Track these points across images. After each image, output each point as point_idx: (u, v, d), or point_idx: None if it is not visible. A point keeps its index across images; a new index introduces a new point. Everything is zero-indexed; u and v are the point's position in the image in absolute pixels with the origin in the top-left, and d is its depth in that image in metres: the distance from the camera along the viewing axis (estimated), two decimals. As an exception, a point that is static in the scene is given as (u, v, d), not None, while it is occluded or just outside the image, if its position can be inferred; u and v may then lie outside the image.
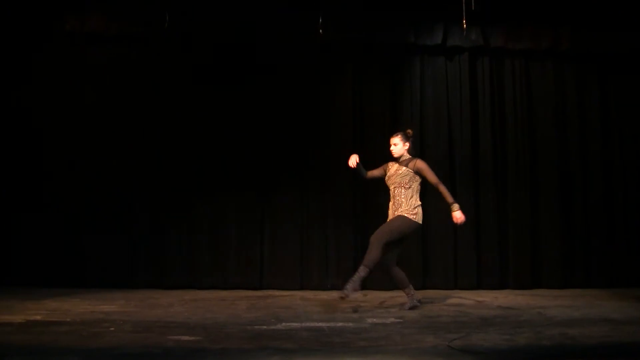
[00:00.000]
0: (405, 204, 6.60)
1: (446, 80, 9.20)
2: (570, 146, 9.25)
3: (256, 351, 4.40)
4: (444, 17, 8.91)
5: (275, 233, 8.87)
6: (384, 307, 6.93)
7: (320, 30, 8.47)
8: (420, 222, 6.67)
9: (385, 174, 6.86)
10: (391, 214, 6.69)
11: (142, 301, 7.22)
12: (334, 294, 8.05)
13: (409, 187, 6.64)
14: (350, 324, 5.63)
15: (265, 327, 5.44)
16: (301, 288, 8.65)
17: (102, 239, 8.58)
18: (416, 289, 8.49)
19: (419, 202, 6.67)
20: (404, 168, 6.69)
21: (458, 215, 6.59)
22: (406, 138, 6.81)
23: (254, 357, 4.21)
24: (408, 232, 6.65)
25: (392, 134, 6.90)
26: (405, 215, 6.57)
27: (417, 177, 6.69)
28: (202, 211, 8.83)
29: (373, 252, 6.43)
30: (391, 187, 6.75)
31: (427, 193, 8.82)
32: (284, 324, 5.61)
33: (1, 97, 8.71)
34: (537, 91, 9.30)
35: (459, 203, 8.94)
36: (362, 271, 6.39)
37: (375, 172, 6.95)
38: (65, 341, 4.66)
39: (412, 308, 6.63)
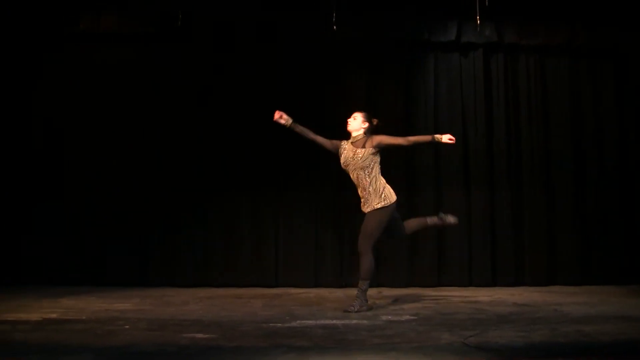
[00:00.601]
0: (373, 190, 6.37)
1: (460, 77, 9.15)
2: (585, 143, 9.16)
3: (271, 349, 4.40)
4: (458, 13, 8.85)
5: (289, 230, 8.87)
6: (399, 304, 6.91)
7: (335, 27, 8.44)
8: (394, 199, 6.43)
9: (340, 155, 6.57)
10: (363, 202, 6.48)
11: (157, 299, 7.24)
12: (349, 292, 8.06)
13: (372, 170, 6.41)
14: (365, 322, 5.62)
15: (280, 324, 5.44)
16: (316, 286, 8.65)
17: (117, 238, 8.62)
18: (431, 286, 8.68)
19: (384, 182, 6.45)
20: (362, 150, 6.42)
21: (446, 138, 6.41)
22: (368, 119, 6.54)
23: (268, 355, 4.20)
24: (389, 218, 6.43)
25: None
26: (377, 207, 6.35)
27: (376, 158, 6.44)
28: (217, 209, 8.84)
29: (365, 263, 6.31)
30: (352, 173, 6.50)
31: (443, 186, 8.93)
32: (298, 321, 5.61)
33: (16, 97, 8.76)
34: (552, 87, 9.22)
35: (473, 201, 8.97)
36: (362, 285, 6.33)
37: (324, 141, 6.64)
38: (80, 339, 4.69)
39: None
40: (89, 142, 8.77)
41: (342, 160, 6.57)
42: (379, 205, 6.37)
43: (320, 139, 6.65)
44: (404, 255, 8.81)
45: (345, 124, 6.63)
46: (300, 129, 6.59)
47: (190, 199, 8.77)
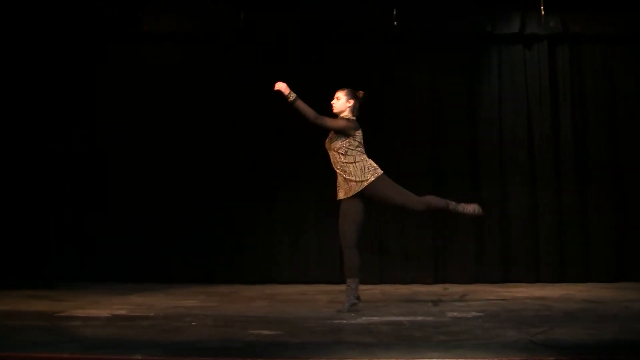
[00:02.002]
0: (354, 173, 5.97)
1: (524, 70, 8.99)
2: (656, 134, 8.94)
3: (335, 345, 4.40)
4: (521, 4, 8.72)
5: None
6: (465, 301, 6.85)
7: (395, 22, 8.41)
8: (381, 171, 6.02)
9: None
10: (342, 188, 6.09)
11: (223, 296, 7.33)
12: (414, 288, 8.06)
13: (344, 154, 5.98)
14: (431, 318, 5.59)
15: (345, 321, 5.44)
16: (381, 282, 8.63)
17: (184, 236, 8.75)
18: (498, 282, 8.50)
19: (364, 160, 5.99)
20: (334, 139, 6.03)
21: (281, 85, 5.95)
22: (352, 95, 6.11)
23: (333, 351, 4.20)
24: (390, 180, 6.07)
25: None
26: (373, 179, 5.95)
27: (350, 140, 5.98)
28: (283, 206, 8.90)
29: (348, 259, 6.05)
30: (330, 153, 6.11)
31: (508, 180, 8.82)
32: (363, 318, 5.60)
33: (78, 96, 8.97)
34: (619, 78, 8.97)
35: (539, 196, 8.77)
36: (350, 283, 6.01)
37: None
38: (148, 335, 4.76)
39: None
40: (153, 139, 8.92)
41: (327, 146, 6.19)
42: (373, 177, 5.98)
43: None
44: (470, 252, 8.74)
45: (331, 107, 6.21)
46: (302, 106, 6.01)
47: (256, 196, 8.84)
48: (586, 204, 8.83)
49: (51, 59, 8.95)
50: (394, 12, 8.42)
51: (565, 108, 8.94)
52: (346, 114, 6.14)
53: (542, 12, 8.32)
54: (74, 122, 8.96)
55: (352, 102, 6.13)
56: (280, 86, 6.01)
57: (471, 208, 6.14)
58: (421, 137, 8.89)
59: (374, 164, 6.07)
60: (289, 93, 5.98)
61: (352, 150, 6.01)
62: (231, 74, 8.96)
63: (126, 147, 8.92)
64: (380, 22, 8.59)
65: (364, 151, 6.10)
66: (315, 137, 8.72)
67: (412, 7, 8.61)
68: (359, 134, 6.08)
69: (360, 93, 6.20)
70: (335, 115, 6.18)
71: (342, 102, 6.14)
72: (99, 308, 6.21)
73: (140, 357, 3.95)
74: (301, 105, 5.98)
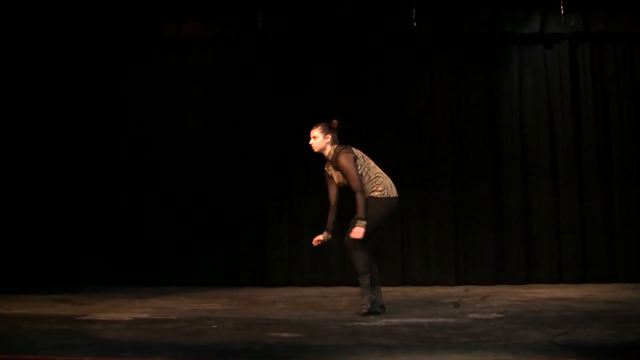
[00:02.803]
0: (370, 188, 5.88)
1: (545, 70, 8.93)
2: (680, 134, 8.85)
3: (356, 347, 4.41)
4: (541, 4, 8.66)
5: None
6: (486, 302, 6.82)
7: (415, 24, 8.40)
8: (394, 194, 5.93)
9: (333, 180, 6.11)
10: None
11: (244, 299, 7.34)
12: (436, 290, 8.03)
13: (363, 179, 5.89)
14: (452, 320, 5.58)
15: (365, 323, 5.44)
16: (403, 284, 8.61)
17: (206, 240, 8.78)
18: (519, 283, 8.46)
19: (377, 175, 5.92)
20: (338, 173, 5.98)
21: (357, 230, 5.75)
22: (327, 129, 6.00)
23: (353, 354, 4.21)
24: (386, 212, 5.94)
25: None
26: (373, 195, 5.86)
27: (357, 164, 5.90)
28: (304, 208, 8.89)
29: (357, 258, 5.87)
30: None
31: (530, 181, 8.77)
32: (384, 320, 5.61)
33: (101, 101, 9.02)
34: (643, 76, 8.93)
35: (562, 196, 8.71)
36: (362, 280, 5.90)
37: (333, 198, 6.20)
38: (169, 338, 4.79)
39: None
40: (173, 142, 8.94)
41: (336, 182, 6.09)
42: (375, 194, 5.88)
43: (333, 204, 6.22)
44: (492, 253, 8.69)
45: (310, 147, 6.11)
46: (331, 225, 6.19)
47: (277, 199, 8.85)
48: (609, 205, 8.75)
49: (65, 60, 9.03)
50: (413, 14, 8.40)
51: (587, 108, 8.87)
52: (329, 149, 6.03)
53: (562, 11, 8.25)
54: (94, 125, 9.01)
55: (329, 136, 6.01)
56: (358, 233, 5.79)
57: (365, 308, 5.85)
58: (442, 138, 8.86)
59: (389, 184, 5.96)
60: (360, 223, 5.78)
61: (364, 168, 5.95)
62: (247, 77, 8.97)
63: (142, 149, 8.97)
64: (399, 24, 8.56)
65: (374, 164, 6.04)
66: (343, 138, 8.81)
67: (431, 8, 8.58)
68: (356, 152, 5.99)
69: (334, 123, 6.06)
70: (317, 154, 6.10)
71: (320, 140, 6.01)
72: (121, 311, 6.26)
73: (160, 360, 3.98)
74: (362, 213, 5.79)
